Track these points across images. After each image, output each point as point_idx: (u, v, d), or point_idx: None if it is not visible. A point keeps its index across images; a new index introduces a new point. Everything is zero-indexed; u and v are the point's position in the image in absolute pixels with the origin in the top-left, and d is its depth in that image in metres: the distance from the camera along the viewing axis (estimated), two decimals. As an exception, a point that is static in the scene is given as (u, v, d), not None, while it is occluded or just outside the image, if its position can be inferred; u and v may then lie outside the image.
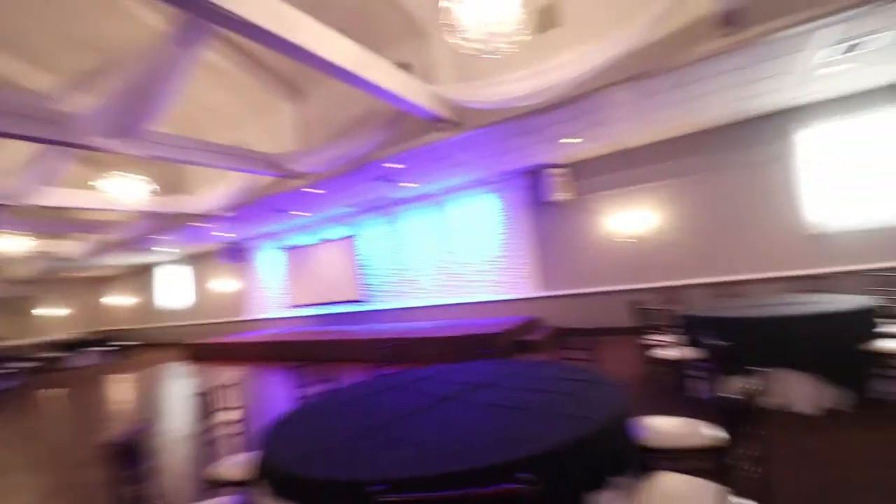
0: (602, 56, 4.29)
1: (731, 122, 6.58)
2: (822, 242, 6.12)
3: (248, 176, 7.31)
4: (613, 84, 4.70)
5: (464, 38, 3.52)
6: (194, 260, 14.84)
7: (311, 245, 11.52)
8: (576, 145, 6.86)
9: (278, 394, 6.23)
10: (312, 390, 3.02)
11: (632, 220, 7.30)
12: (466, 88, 5.21)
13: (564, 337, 3.30)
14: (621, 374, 5.06)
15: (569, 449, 1.58)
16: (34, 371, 11.32)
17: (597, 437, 1.68)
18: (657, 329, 4.06)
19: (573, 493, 1.57)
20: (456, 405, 2.19)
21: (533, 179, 8.10)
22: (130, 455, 1.72)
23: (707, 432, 2.15)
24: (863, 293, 4.20)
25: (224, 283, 13.66)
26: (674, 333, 4.19)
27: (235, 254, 12.76)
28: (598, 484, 1.62)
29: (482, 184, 8.70)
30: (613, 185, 7.51)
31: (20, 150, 5.58)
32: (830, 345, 3.37)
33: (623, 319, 7.01)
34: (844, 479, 2.43)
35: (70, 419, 6.41)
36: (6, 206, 6.34)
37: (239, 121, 7.89)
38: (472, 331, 7.02)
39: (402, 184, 8.13)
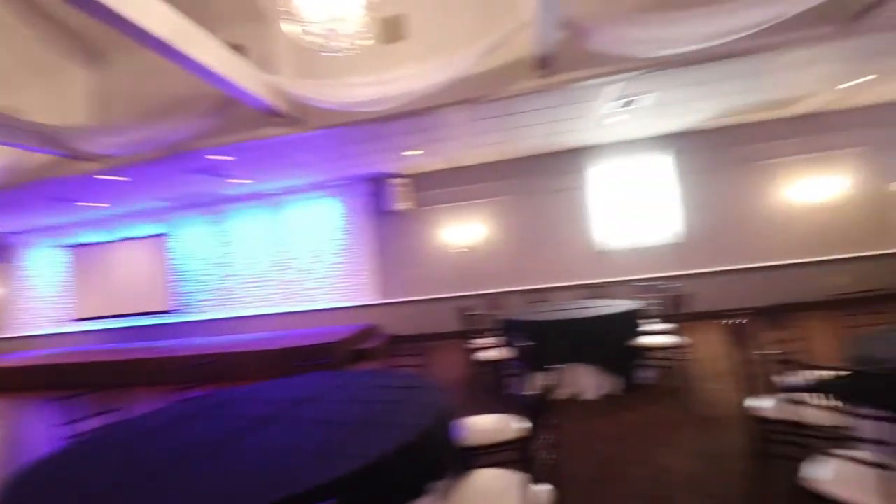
0: (441, 75, 4.53)
1: (544, 152, 7.66)
2: (604, 258, 7.57)
3: (15, 151, 5.67)
4: (449, 104, 5.00)
5: (304, 31, 3.34)
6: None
7: (106, 244, 9.50)
8: (417, 157, 7.12)
9: (40, 434, 4.96)
10: (88, 426, 2.42)
11: (464, 232, 7.92)
12: (308, 85, 4.94)
13: (398, 344, 3.34)
14: (448, 377, 5.36)
15: (390, 459, 1.56)
16: None
17: (418, 443, 1.70)
18: (481, 333, 4.41)
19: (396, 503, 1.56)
20: (275, 426, 2.00)
21: (375, 187, 8.13)
22: None
23: (516, 426, 2.38)
24: (631, 298, 5.25)
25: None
26: (494, 336, 4.60)
27: (-8, 251, 9.79)
28: (419, 491, 1.64)
29: (322, 187, 8.37)
30: (449, 199, 8.02)
31: None
32: (608, 341, 4.10)
33: (453, 325, 7.51)
34: (622, 454, 2.95)
35: None
36: None
37: (13, 82, 6.07)
38: (305, 341, 6.63)
39: (230, 180, 7.30)
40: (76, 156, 5.70)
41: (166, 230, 9.15)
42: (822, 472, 1.62)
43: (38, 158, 5.90)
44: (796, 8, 3.68)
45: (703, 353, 5.08)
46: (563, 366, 4.11)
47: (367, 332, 7.73)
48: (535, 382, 2.00)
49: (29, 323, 10.06)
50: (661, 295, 4.78)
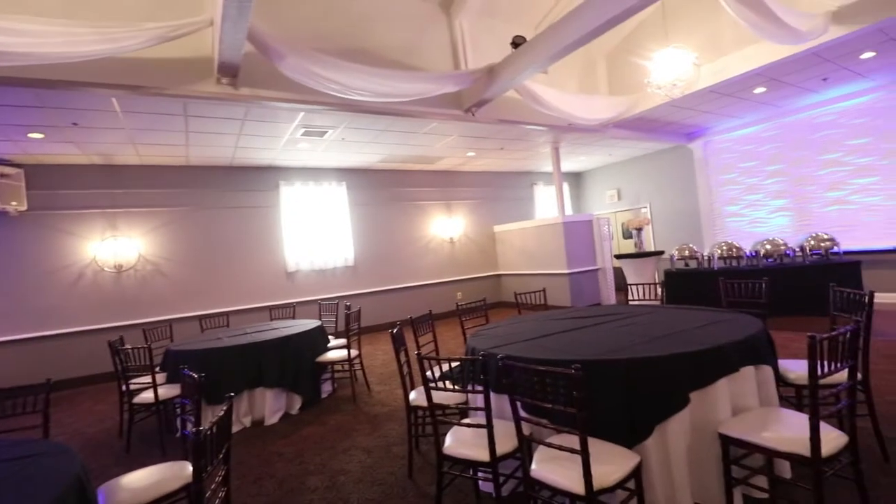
0: (88, 46, 3.56)
1: (231, 164, 7.14)
2: (293, 279, 7.64)
3: None
4: (103, 85, 4.01)
5: None
6: None
7: None
8: (37, 143, 5.29)
9: None
10: None
11: (114, 246, 6.34)
12: None
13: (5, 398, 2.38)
14: (93, 431, 4.18)
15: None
16: None
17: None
18: (140, 370, 3.63)
19: None
20: None
21: (-46, 174, 5.51)
22: None
23: (185, 472, 2.10)
24: (314, 318, 5.52)
25: None
26: (158, 372, 3.89)
27: None
28: None
29: None
30: (90, 203, 6.29)
31: None
32: (293, 360, 4.16)
33: (103, 364, 5.89)
34: (301, 469, 3.01)
35: None
36: None
37: None
38: None
39: None
40: None
41: None
42: (450, 440, 2.18)
43: None
44: (434, 91, 4.93)
45: (372, 360, 5.84)
46: (242, 393, 3.89)
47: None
48: (210, 418, 1.85)
49: None
50: (337, 312, 5.22)
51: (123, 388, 3.72)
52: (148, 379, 3.60)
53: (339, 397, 4.53)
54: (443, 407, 2.31)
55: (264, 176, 7.52)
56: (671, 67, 4.65)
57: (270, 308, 6.34)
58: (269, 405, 4.00)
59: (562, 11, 5.64)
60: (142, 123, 5.06)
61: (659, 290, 4.10)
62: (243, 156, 6.76)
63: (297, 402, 4.20)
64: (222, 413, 1.67)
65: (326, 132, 6.07)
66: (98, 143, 5.55)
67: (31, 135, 5.02)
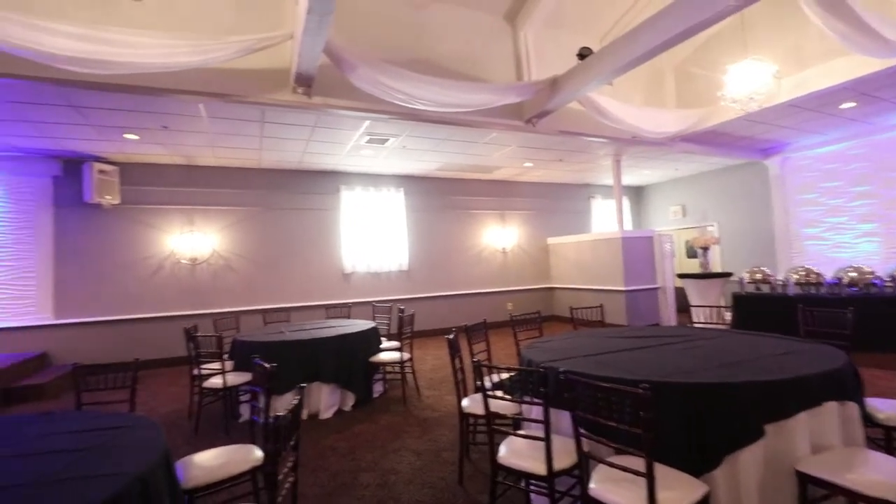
0: (187, 57, 3.93)
1: (298, 168, 7.54)
2: (349, 280, 7.91)
3: None
4: (191, 93, 4.38)
5: None
6: None
7: None
8: (132, 142, 5.84)
9: None
10: None
11: (196, 241, 6.87)
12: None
13: (86, 376, 2.62)
14: (168, 411, 4.53)
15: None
16: None
17: (130, 494, 1.41)
18: (210, 357, 3.90)
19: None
20: None
21: (63, 169, 6.21)
22: None
23: (252, 455, 2.24)
24: (368, 319, 5.68)
25: None
26: (227, 360, 4.16)
27: None
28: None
29: (-35, 155, 5.85)
30: (172, 200, 6.86)
31: None
32: (348, 358, 4.30)
33: (172, 348, 6.40)
34: (354, 465, 3.11)
35: None
36: None
37: None
38: None
39: None
40: None
41: None
42: (504, 450, 2.18)
43: None
44: (497, 102, 4.97)
45: (422, 365, 5.91)
46: (303, 386, 4.05)
47: (33, 363, 5.65)
48: (276, 406, 1.96)
49: None
50: (390, 315, 5.34)
51: (195, 372, 4.00)
52: (217, 365, 3.86)
53: (390, 398, 4.62)
54: (498, 416, 2.30)
55: (327, 180, 7.86)
56: (749, 80, 4.41)
57: (327, 307, 6.60)
58: (325, 400, 4.15)
59: (630, 22, 5.52)
60: (223, 128, 5.47)
61: (727, 314, 3.88)
62: (310, 160, 7.12)
63: (350, 400, 4.33)
64: (296, 402, 1.76)
65: (388, 140, 6.27)
66: (183, 145, 6.05)
67: (126, 135, 5.55)
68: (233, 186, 7.21)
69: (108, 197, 6.23)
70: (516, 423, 2.60)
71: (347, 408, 4.29)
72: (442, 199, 8.84)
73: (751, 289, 6.49)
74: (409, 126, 5.71)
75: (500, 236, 9.31)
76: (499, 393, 2.26)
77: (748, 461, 1.82)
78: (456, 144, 6.67)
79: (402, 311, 4.86)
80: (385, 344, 5.13)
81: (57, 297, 6.16)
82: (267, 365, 2.31)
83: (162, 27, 4.16)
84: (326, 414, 4.13)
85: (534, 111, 5.56)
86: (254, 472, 2.20)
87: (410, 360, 4.60)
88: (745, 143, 7.68)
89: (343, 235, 7.90)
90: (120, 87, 4.17)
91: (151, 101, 4.58)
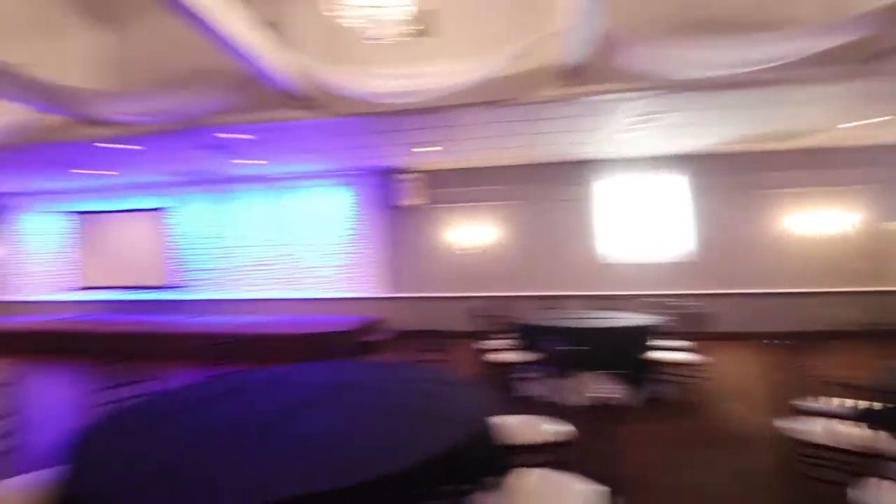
0: (470, 75, 4.53)
1: (557, 160, 7.72)
2: (609, 270, 7.65)
3: (19, 110, 5.46)
4: (473, 105, 5.01)
5: (343, 15, 3.35)
6: None
7: (109, 213, 9.23)
8: (433, 154, 7.11)
9: (68, 398, 4.92)
10: (124, 393, 2.38)
11: (473, 232, 7.97)
12: (334, 70, 4.88)
13: (408, 339, 3.31)
14: (466, 375, 5.36)
15: (453, 452, 1.57)
16: None
17: (473, 438, 1.72)
18: (494, 335, 4.42)
19: (455, 496, 1.57)
20: (321, 410, 1.99)
21: (387, 180, 8.11)
22: None
23: (550, 428, 2.41)
24: (638, 313, 5.29)
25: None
26: (508, 339, 4.61)
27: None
28: (475, 485, 1.65)
29: (333, 175, 8.32)
30: (461, 199, 8.05)
31: None
32: (623, 352, 4.15)
33: (460, 324, 7.55)
34: (652, 462, 2.97)
35: None
36: None
37: (17, 37, 5.81)
38: (313, 329, 6.62)
39: (240, 160, 7.20)
40: (87, 120, 5.54)
41: (166, 204, 8.96)
42: (871, 497, 1.68)
43: (44, 119, 5.71)
44: (815, 46, 3.83)
45: (720, 371, 5.12)
46: (587, 373, 4.13)
47: (373, 325, 7.71)
48: (569, 387, 2.02)
49: (26, 287, 9.73)
50: (674, 311, 4.83)
51: (480, 346, 4.58)
52: (499, 342, 4.34)
53: (676, 403, 4.24)
54: (854, 452, 1.80)
55: (582, 169, 7.76)
56: None
57: (586, 297, 6.55)
58: (608, 389, 4.12)
59: None
60: (497, 131, 6.07)
61: None
62: (567, 151, 7.17)
63: (630, 394, 4.17)
64: (599, 387, 1.80)
65: (662, 117, 5.68)
66: (464, 151, 7.02)
67: (423, 149, 6.79)
68: (504, 183, 7.95)
69: (419, 199, 7.91)
70: (875, 463, 1.98)
71: (630, 402, 4.15)
72: (733, 177, 7.38)
73: None
74: (691, 99, 5.03)
75: (816, 220, 7.18)
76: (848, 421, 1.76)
77: None
78: (753, 111, 5.52)
79: (689, 307, 4.34)
80: (669, 343, 4.67)
81: (385, 276, 8.17)
82: (559, 348, 2.45)
83: (449, 53, 4.92)
84: (613, 402, 4.09)
85: (878, 46, 4.07)
86: (560, 444, 2.34)
87: (702, 363, 4.09)
88: None
89: (603, 224, 7.68)
90: (422, 111, 5.12)
91: (440, 118, 5.46)
